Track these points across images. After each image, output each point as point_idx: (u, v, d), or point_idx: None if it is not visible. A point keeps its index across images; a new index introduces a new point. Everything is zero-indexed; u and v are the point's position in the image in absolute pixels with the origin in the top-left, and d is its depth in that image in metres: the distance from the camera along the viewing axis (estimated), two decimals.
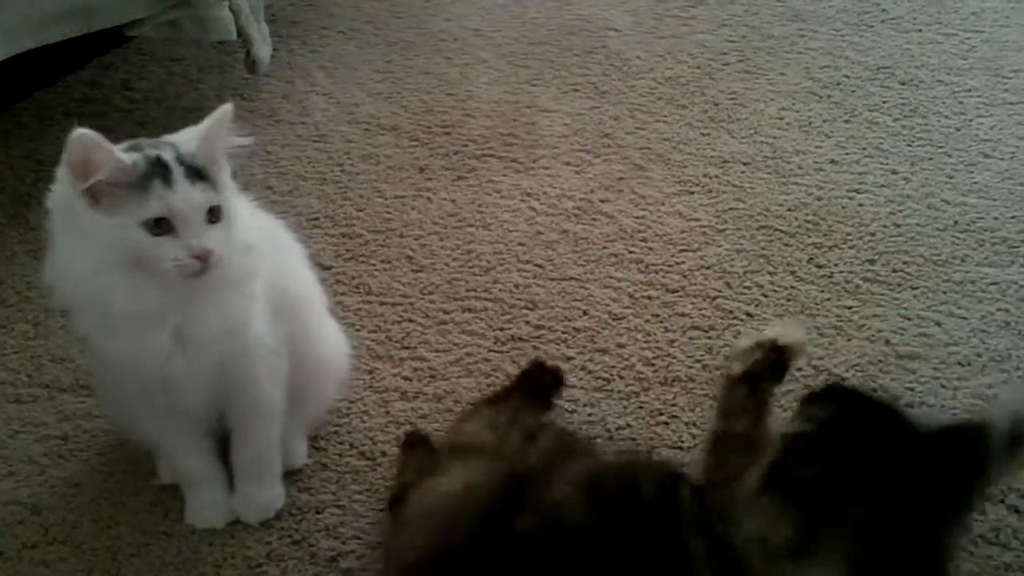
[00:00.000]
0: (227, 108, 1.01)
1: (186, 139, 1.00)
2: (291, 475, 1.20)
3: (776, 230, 1.56)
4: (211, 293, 1.00)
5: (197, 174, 0.97)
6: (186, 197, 0.95)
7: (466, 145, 1.80)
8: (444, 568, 0.95)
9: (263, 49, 1.82)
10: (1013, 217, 1.56)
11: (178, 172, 0.95)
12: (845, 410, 0.95)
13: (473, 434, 1.12)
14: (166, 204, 0.95)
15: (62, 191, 0.96)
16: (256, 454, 1.14)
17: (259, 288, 1.06)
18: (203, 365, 1.03)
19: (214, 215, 0.98)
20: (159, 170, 0.95)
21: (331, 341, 1.24)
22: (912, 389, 1.28)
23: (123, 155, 0.94)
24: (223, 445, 1.15)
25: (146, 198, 0.94)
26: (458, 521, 0.98)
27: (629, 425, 1.25)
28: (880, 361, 1.32)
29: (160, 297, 0.98)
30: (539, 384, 1.25)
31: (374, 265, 1.53)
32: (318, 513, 1.16)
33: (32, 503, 1.19)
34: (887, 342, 1.35)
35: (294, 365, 1.13)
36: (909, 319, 1.39)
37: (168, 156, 0.96)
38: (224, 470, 1.16)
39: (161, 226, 0.95)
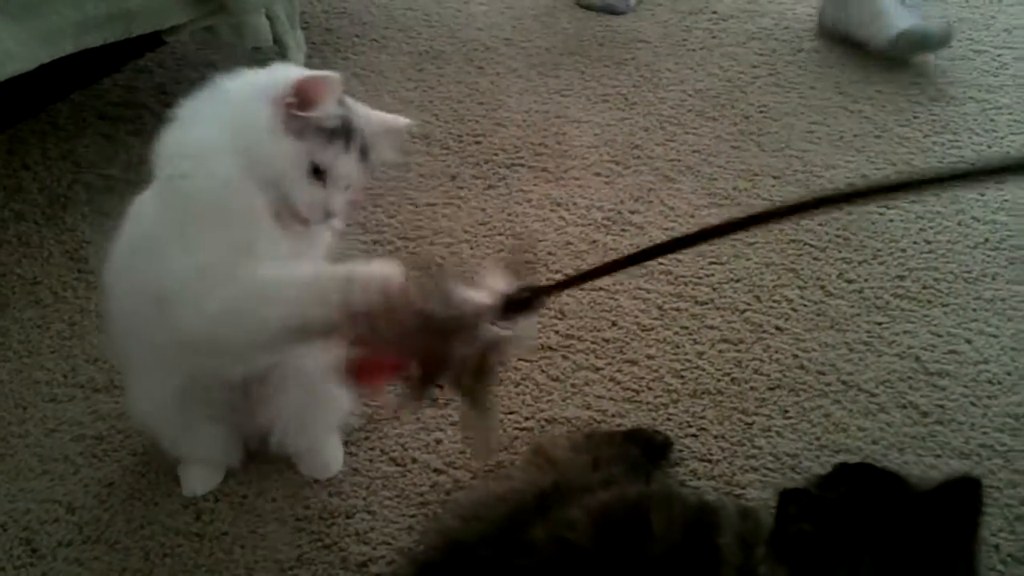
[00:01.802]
0: (405, 122, 1.11)
1: (369, 120, 1.06)
2: (323, 480, 1.21)
3: (806, 244, 1.56)
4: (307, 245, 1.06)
5: (363, 150, 1.05)
6: (349, 165, 1.03)
7: (496, 154, 1.81)
8: (454, 557, 0.99)
9: (297, 56, 1.84)
10: None
11: (356, 141, 1.03)
12: (844, 473, 0.96)
13: (555, 447, 1.14)
14: (335, 160, 1.01)
15: (244, 88, 1.01)
16: (312, 398, 1.15)
17: None
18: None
19: (348, 188, 1.05)
20: (346, 132, 1.02)
21: None
22: (942, 407, 1.28)
23: (334, 104, 1.01)
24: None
25: (327, 147, 1.00)
26: (484, 519, 1.01)
27: (672, 444, 1.25)
28: (910, 378, 1.32)
29: (277, 224, 1.02)
30: (644, 438, 1.23)
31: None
32: (348, 518, 1.18)
33: (67, 501, 1.20)
34: (917, 359, 1.35)
35: (316, 359, 1.13)
36: (939, 336, 1.39)
37: (356, 124, 1.03)
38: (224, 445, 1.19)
39: (317, 172, 1.01)
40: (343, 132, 1.02)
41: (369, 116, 1.07)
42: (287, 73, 1.02)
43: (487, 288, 0.95)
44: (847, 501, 0.91)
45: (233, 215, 0.98)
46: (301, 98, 0.98)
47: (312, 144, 1.00)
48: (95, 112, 1.92)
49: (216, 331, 0.97)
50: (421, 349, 0.93)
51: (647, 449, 1.22)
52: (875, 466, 0.99)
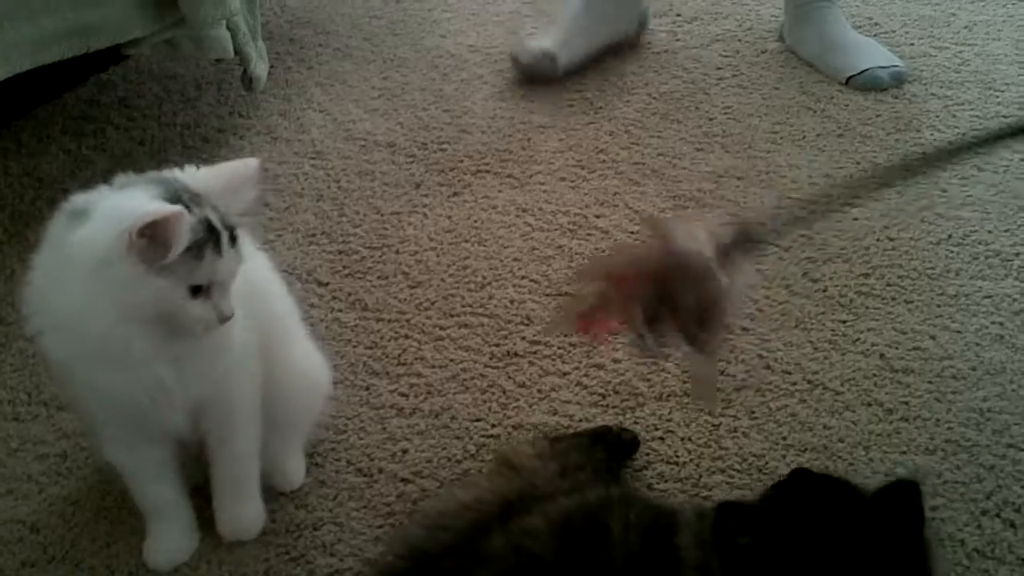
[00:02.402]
0: (253, 164, 1.03)
1: (215, 183, 1.00)
2: (289, 493, 1.21)
3: (770, 244, 1.56)
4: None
5: (233, 238, 0.99)
6: (230, 265, 0.99)
7: (462, 161, 1.81)
8: (418, 567, 0.99)
9: (260, 67, 1.83)
10: (1007, 230, 1.57)
11: (225, 239, 0.97)
12: (788, 483, 0.97)
13: (521, 455, 1.13)
14: (215, 271, 0.97)
15: (94, 245, 0.94)
16: (235, 470, 1.14)
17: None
18: (198, 386, 1.04)
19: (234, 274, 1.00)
20: (211, 237, 0.96)
21: (308, 352, 1.23)
22: (907, 403, 1.29)
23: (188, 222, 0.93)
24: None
25: (199, 265, 0.95)
26: (448, 528, 1.01)
27: (640, 443, 1.25)
28: (875, 375, 1.33)
29: (172, 343, 0.99)
30: (611, 438, 1.23)
31: (370, 281, 1.54)
32: (315, 530, 1.17)
33: (31, 521, 1.19)
34: (882, 356, 1.36)
35: (273, 378, 1.13)
36: (904, 333, 1.39)
37: (215, 220, 0.97)
38: (190, 504, 1.16)
39: (200, 290, 0.97)
40: (208, 238, 0.96)
41: (218, 178, 1.01)
42: (128, 217, 0.92)
43: (706, 235, 0.97)
44: (784, 512, 0.92)
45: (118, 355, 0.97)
46: (153, 241, 0.92)
47: (181, 271, 0.95)
48: (58, 127, 1.90)
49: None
50: (648, 298, 0.96)
51: (615, 448, 1.22)
52: (818, 474, 0.99)
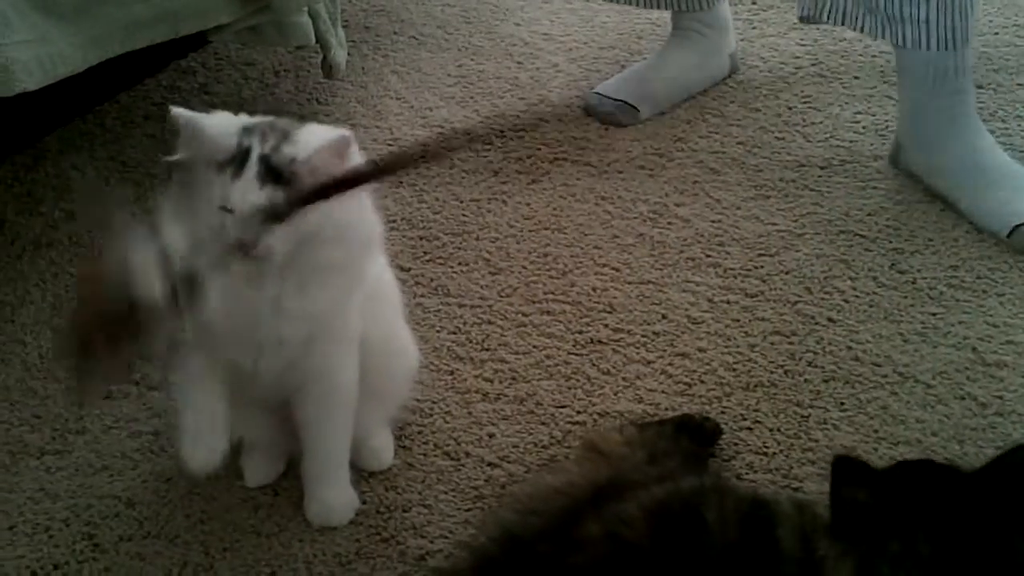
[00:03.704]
0: (339, 136, 1.04)
1: (304, 140, 1.02)
2: (378, 474, 1.22)
3: (856, 235, 1.55)
4: (303, 274, 1.05)
5: (274, 176, 0.99)
6: (242, 192, 0.99)
7: (539, 149, 1.81)
8: (512, 551, 0.99)
9: (339, 54, 1.84)
10: None
11: (252, 168, 0.99)
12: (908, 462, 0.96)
13: (609, 441, 1.13)
14: (226, 193, 0.99)
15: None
16: (328, 451, 1.16)
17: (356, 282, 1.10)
18: (292, 336, 1.07)
19: (279, 217, 1.00)
20: (235, 162, 0.99)
21: (403, 338, 1.25)
22: (1001, 398, 1.27)
23: (227, 139, 1.00)
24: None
25: (215, 181, 1.00)
26: (541, 513, 1.01)
27: (723, 431, 1.25)
28: (967, 369, 1.31)
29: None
30: (694, 425, 1.23)
31: (452, 267, 1.55)
32: (405, 512, 1.18)
33: (127, 497, 1.21)
34: (974, 349, 1.34)
35: (369, 351, 1.15)
36: (995, 326, 1.37)
37: (255, 151, 0.99)
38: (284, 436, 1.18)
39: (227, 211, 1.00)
40: (231, 162, 0.99)
41: (316, 138, 1.03)
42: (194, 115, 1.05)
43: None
44: (904, 476, 0.91)
45: None
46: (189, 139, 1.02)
47: (205, 181, 1.00)
48: (141, 113, 1.93)
49: None
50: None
51: (698, 436, 1.22)
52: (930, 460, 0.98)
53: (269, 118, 1.06)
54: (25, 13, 1.35)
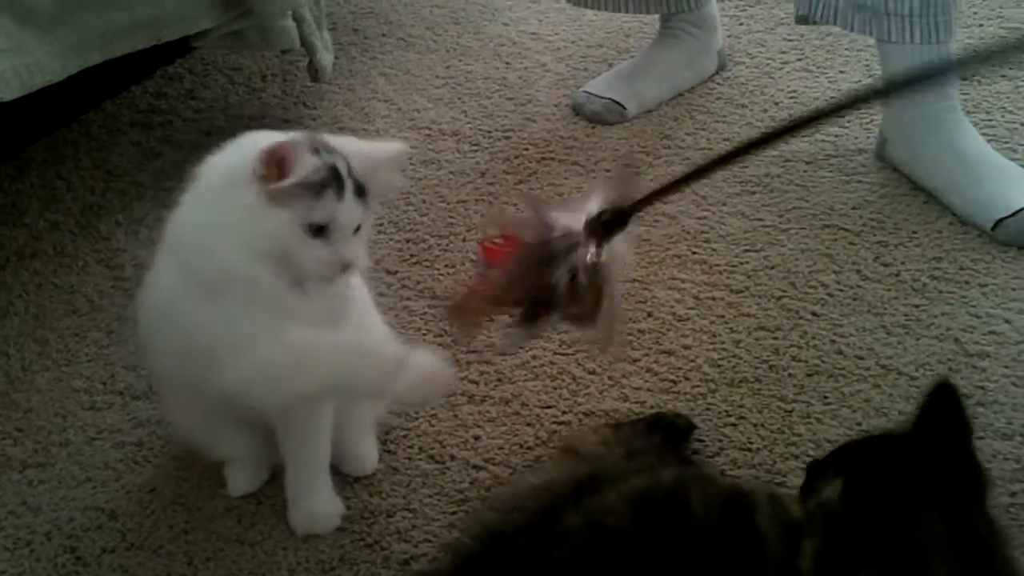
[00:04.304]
0: (399, 148, 1.09)
1: (356, 153, 1.04)
2: (362, 479, 1.22)
3: (841, 229, 1.54)
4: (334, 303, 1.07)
5: (359, 190, 1.02)
6: (350, 211, 1.01)
7: (527, 149, 1.80)
8: (494, 548, 0.99)
9: (325, 57, 1.84)
10: None
11: (349, 186, 1.01)
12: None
13: (586, 442, 1.13)
14: (333, 213, 1.00)
15: (221, 172, 1.02)
16: (309, 458, 1.15)
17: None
18: None
19: (358, 230, 1.03)
20: (334, 180, 0.99)
21: (376, 330, 1.24)
22: (983, 388, 1.26)
23: (310, 160, 0.98)
24: None
25: (317, 204, 0.98)
26: (522, 509, 1.01)
27: (696, 427, 1.25)
28: (950, 360, 1.31)
29: (297, 286, 1.02)
30: (667, 423, 1.23)
31: (438, 269, 1.55)
32: (389, 517, 1.18)
33: (110, 508, 1.21)
34: (956, 340, 1.34)
35: None
36: (978, 317, 1.37)
37: (342, 168, 1.00)
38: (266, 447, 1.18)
39: (319, 231, 1.00)
40: (331, 181, 0.99)
41: (360, 150, 1.05)
42: (254, 145, 1.00)
43: (580, 212, 0.97)
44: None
45: (244, 290, 1.00)
46: (270, 167, 0.97)
47: (300, 206, 0.98)
48: (127, 120, 1.93)
49: (251, 391, 1.01)
50: (522, 281, 0.97)
51: (671, 434, 1.22)
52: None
53: (304, 133, 1.05)
54: (0, 23, 1.35)
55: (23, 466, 1.27)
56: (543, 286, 0.96)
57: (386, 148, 1.09)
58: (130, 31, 1.53)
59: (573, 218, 0.98)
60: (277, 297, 1.01)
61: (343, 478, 1.21)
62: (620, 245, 0.99)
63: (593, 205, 0.98)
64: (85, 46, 1.47)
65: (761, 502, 0.94)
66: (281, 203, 0.98)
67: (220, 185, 1.01)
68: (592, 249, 0.96)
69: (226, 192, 1.00)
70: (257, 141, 1.01)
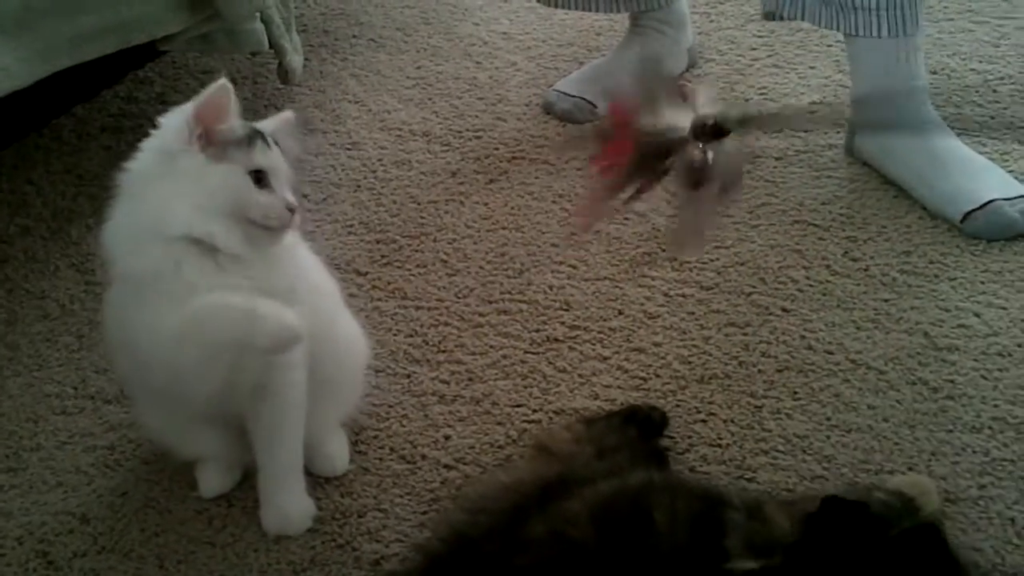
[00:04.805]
0: (290, 115, 1.18)
1: (263, 125, 1.12)
2: (333, 480, 1.22)
3: (810, 224, 1.55)
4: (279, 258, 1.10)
5: (279, 148, 1.11)
6: (278, 157, 1.09)
7: (497, 148, 1.81)
8: (460, 551, 0.99)
9: (295, 59, 1.84)
10: None
11: (271, 140, 1.09)
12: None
13: (557, 440, 1.14)
14: (268, 159, 1.07)
15: (161, 141, 1.07)
16: (282, 458, 1.15)
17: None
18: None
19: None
20: (259, 134, 1.08)
21: (348, 330, 1.25)
22: (952, 381, 1.27)
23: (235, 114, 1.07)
24: None
25: (252, 151, 1.06)
26: (489, 511, 1.01)
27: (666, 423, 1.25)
28: (919, 354, 1.32)
29: (247, 247, 1.06)
30: (641, 416, 1.23)
31: (409, 270, 1.55)
32: (360, 517, 1.18)
33: (81, 512, 1.21)
34: (925, 334, 1.34)
35: (315, 356, 1.14)
36: (947, 311, 1.38)
37: (259, 127, 1.10)
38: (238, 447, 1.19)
39: (260, 180, 1.06)
40: (257, 134, 1.07)
41: (264, 123, 1.13)
42: (179, 115, 1.06)
43: (695, 110, 1.00)
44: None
45: (169, 278, 1.03)
46: (206, 121, 1.04)
47: (239, 156, 1.05)
48: (97, 125, 1.93)
49: (171, 356, 1.03)
50: (636, 168, 1.02)
51: (645, 427, 1.22)
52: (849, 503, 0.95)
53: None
54: None
55: None
56: (659, 171, 1.02)
57: (278, 116, 1.17)
58: (98, 35, 1.52)
59: (680, 117, 1.01)
60: (194, 277, 1.03)
61: (314, 479, 1.21)
62: (730, 144, 1.02)
63: (697, 107, 1.01)
64: (53, 51, 1.46)
65: (735, 520, 0.93)
66: (223, 158, 1.04)
67: (156, 167, 1.06)
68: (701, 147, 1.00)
69: (165, 168, 1.05)
70: (175, 114, 1.07)
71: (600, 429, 1.17)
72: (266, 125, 1.13)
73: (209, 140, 1.04)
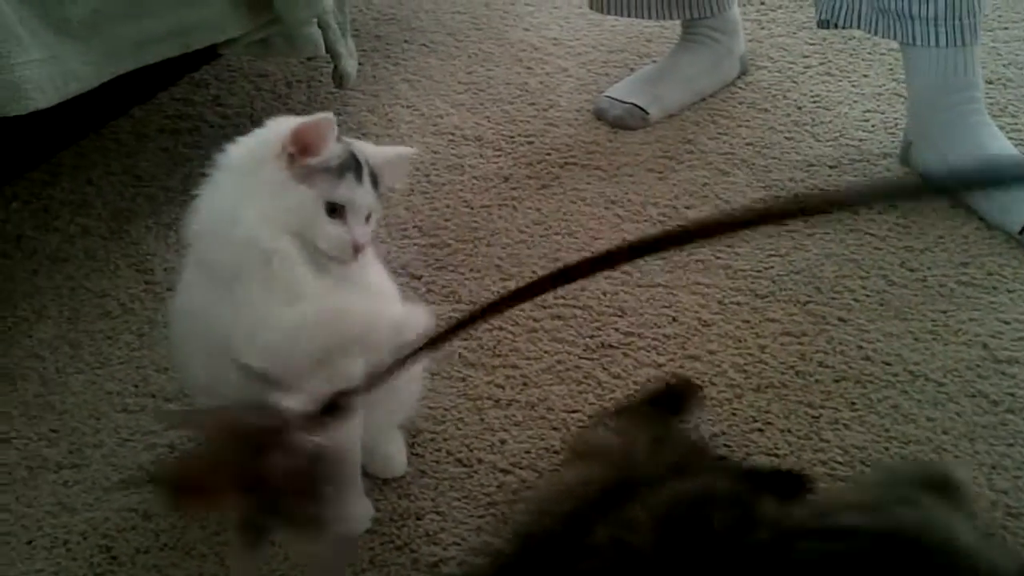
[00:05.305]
0: (409, 152, 1.19)
1: (371, 152, 1.12)
2: (391, 482, 1.23)
3: (866, 233, 1.55)
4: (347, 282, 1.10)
5: (373, 180, 1.10)
6: (366, 195, 1.08)
7: (549, 154, 1.81)
8: (526, 554, 0.97)
9: (350, 64, 1.85)
10: None
11: (365, 172, 1.08)
12: None
13: (599, 439, 1.14)
14: (351, 195, 1.06)
15: (258, 141, 1.09)
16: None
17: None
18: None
19: (368, 218, 1.10)
20: (353, 164, 1.07)
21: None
22: (1012, 395, 1.27)
23: (334, 143, 1.07)
24: None
25: (338, 184, 1.05)
26: (552, 514, 1.01)
27: (723, 432, 1.26)
28: (978, 366, 1.31)
29: (313, 265, 1.07)
30: (670, 394, 1.24)
31: (463, 274, 1.56)
32: (418, 519, 1.19)
33: (143, 509, 1.23)
34: (984, 346, 1.34)
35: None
36: (1007, 323, 1.37)
37: (360, 155, 1.09)
38: None
39: (335, 211, 1.06)
40: (351, 166, 1.07)
41: (371, 150, 1.13)
42: (282, 126, 1.07)
43: (302, 394, 0.87)
44: None
45: (259, 271, 1.04)
46: (300, 146, 1.04)
47: (323, 186, 1.05)
48: (155, 126, 1.95)
49: (266, 366, 1.01)
50: (236, 467, 0.83)
51: (672, 402, 1.22)
52: None
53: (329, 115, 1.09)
54: (37, 32, 1.37)
55: (58, 467, 1.29)
56: (256, 473, 0.82)
57: (394, 150, 1.17)
58: (161, 39, 1.54)
59: (291, 400, 0.85)
60: (291, 276, 1.04)
61: (373, 481, 1.22)
62: (345, 433, 0.91)
63: (316, 387, 0.87)
64: (118, 54, 1.49)
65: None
66: (305, 181, 1.04)
67: (245, 165, 1.07)
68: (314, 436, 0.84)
69: (251, 171, 1.06)
70: (281, 124, 1.08)
71: (639, 416, 1.16)
72: (379, 153, 1.13)
73: (297, 161, 1.05)
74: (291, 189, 1.04)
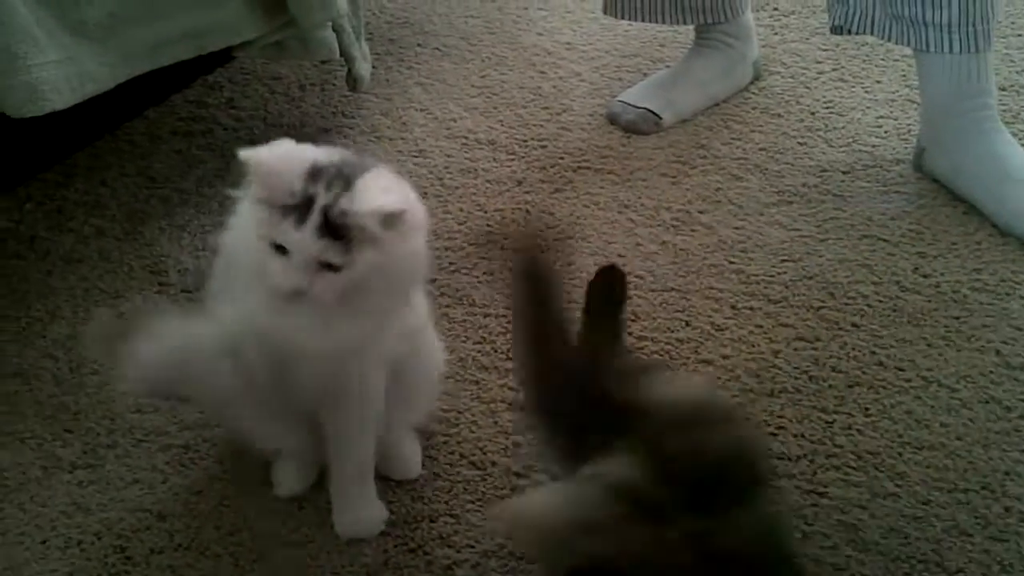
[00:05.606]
0: (381, 208, 1.01)
1: (361, 195, 1.01)
2: (405, 484, 1.23)
3: (879, 239, 1.55)
4: (347, 307, 1.05)
5: (333, 231, 0.99)
6: (304, 243, 0.99)
7: (562, 158, 1.82)
8: None
9: (364, 67, 1.86)
10: None
11: (313, 220, 0.99)
12: None
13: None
14: (286, 238, 1.00)
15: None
16: (354, 462, 1.17)
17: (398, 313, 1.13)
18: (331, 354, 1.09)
19: (333, 268, 1.01)
20: (297, 210, 0.99)
21: (430, 337, 1.26)
22: None
23: (289, 184, 0.99)
24: None
25: (278, 225, 1.00)
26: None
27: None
28: (991, 372, 1.31)
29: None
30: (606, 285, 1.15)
31: (476, 277, 1.56)
32: (432, 522, 1.19)
33: (157, 510, 1.23)
34: (998, 352, 1.34)
35: (401, 361, 1.16)
36: (1020, 329, 1.37)
37: (320, 202, 0.99)
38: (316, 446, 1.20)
39: (280, 249, 1.01)
40: (294, 210, 0.99)
41: (363, 198, 1.00)
42: (263, 153, 1.01)
43: None
44: None
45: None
46: (256, 177, 1.00)
47: (267, 220, 1.01)
48: (168, 128, 1.96)
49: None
50: None
51: (608, 292, 1.14)
52: None
53: (337, 157, 1.04)
54: (54, 34, 1.37)
55: (72, 467, 1.29)
56: None
57: (380, 198, 1.01)
58: (176, 41, 1.55)
59: None
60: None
61: (386, 483, 1.22)
62: None
63: None
64: (133, 57, 1.49)
65: None
66: (261, 211, 1.02)
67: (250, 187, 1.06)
68: None
69: (250, 196, 1.05)
70: (273, 149, 1.02)
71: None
72: (368, 204, 1.00)
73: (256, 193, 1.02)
74: (255, 214, 1.02)
